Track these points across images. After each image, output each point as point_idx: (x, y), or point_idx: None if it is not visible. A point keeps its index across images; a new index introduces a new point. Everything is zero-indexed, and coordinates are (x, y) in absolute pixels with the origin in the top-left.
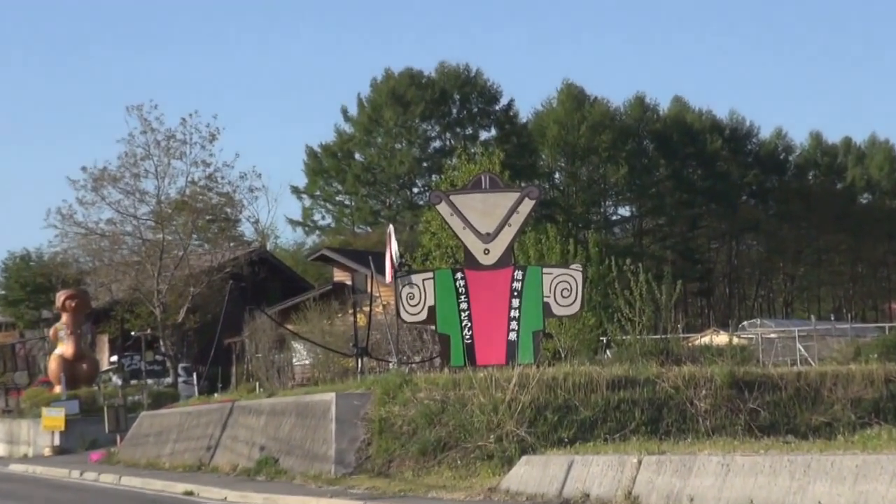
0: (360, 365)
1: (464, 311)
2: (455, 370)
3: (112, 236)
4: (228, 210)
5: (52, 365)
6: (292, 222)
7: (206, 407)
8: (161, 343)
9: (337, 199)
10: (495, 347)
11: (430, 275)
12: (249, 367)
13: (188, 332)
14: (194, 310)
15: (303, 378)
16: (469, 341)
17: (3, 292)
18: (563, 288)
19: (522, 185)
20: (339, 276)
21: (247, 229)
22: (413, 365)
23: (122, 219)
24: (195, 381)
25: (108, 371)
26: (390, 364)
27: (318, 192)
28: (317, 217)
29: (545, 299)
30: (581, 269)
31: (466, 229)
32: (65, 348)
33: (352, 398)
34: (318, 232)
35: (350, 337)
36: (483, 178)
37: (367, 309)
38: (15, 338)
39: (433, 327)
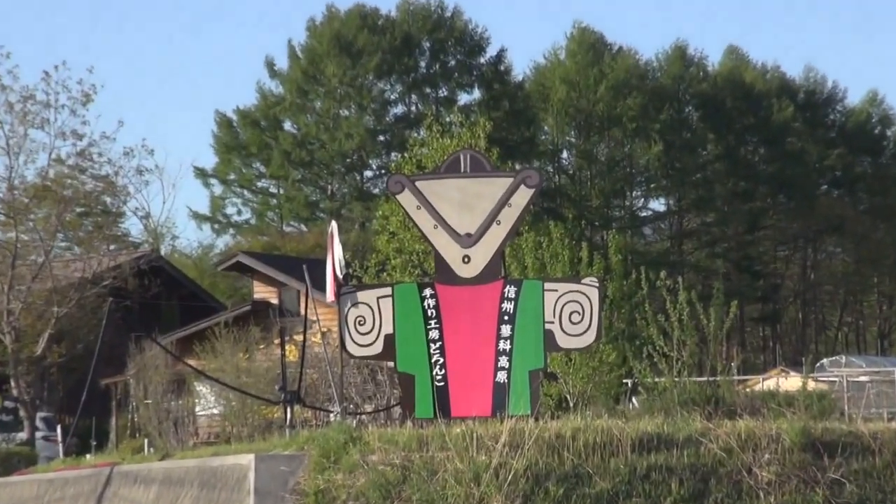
0: (289, 416)
1: (434, 341)
2: (421, 423)
3: None
4: (108, 200)
5: None
6: (197, 217)
7: (75, 473)
8: (13, 384)
9: (258, 185)
10: (477, 392)
11: (388, 291)
12: (135, 418)
13: (50, 368)
14: (59, 338)
15: (210, 434)
16: (441, 384)
17: None
18: (573, 310)
19: (517, 167)
20: (262, 291)
21: (134, 227)
22: (363, 416)
23: None
24: (59, 437)
25: None
26: (332, 415)
27: (231, 176)
28: (230, 210)
29: (548, 326)
30: (598, 284)
31: (439, 228)
32: None
33: (278, 462)
34: (231, 231)
35: (276, 377)
36: (462, 157)
37: (299, 338)
38: None
39: (391, 364)
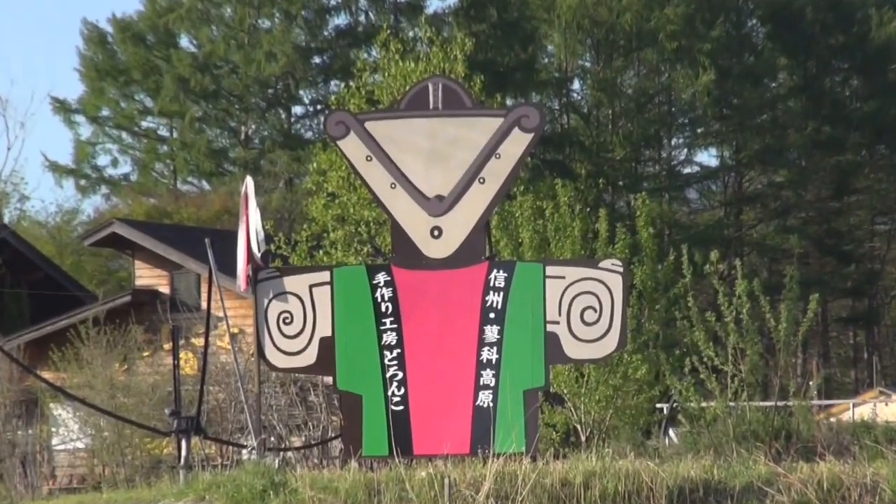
0: (184, 452)
1: (389, 347)
2: (371, 464)
3: None
4: None
5: None
6: (55, 169)
7: None
8: None
9: (143, 125)
10: (451, 420)
11: (326, 276)
12: None
13: None
14: None
15: (72, 477)
16: (399, 408)
17: None
18: (587, 306)
19: (508, 103)
20: (147, 276)
21: None
22: (289, 454)
23: None
24: None
25: None
26: (244, 451)
27: (104, 112)
28: (103, 161)
29: (550, 327)
30: (622, 268)
31: (398, 188)
32: None
33: None
34: (104, 189)
35: (167, 397)
36: (432, 87)
37: (199, 342)
38: None
39: (329, 380)
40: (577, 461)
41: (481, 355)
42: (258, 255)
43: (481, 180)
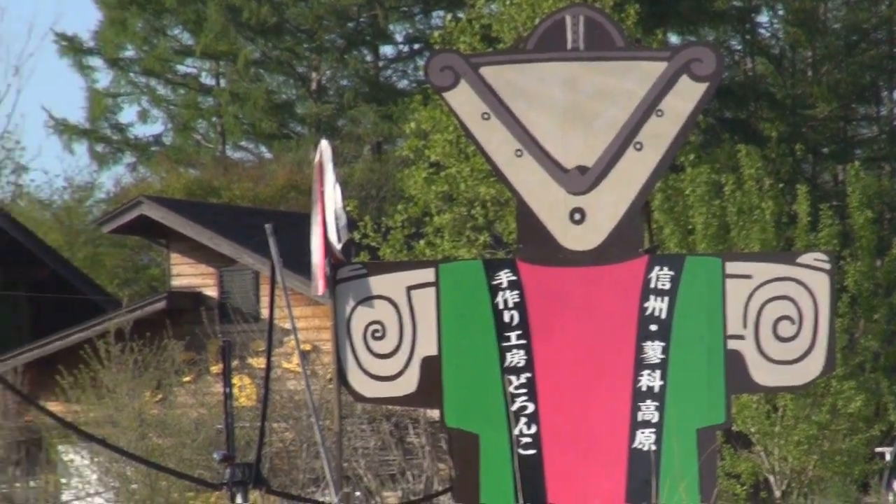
0: None
1: (516, 370)
2: None
3: None
4: None
5: None
6: (63, 130)
7: None
8: None
9: (180, 71)
10: (598, 468)
11: (429, 275)
12: None
13: None
14: None
15: None
16: (529, 451)
17: None
18: (782, 314)
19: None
20: (187, 273)
21: None
22: None
23: None
24: None
25: None
26: None
27: (128, 53)
28: (126, 118)
29: (732, 343)
30: (829, 263)
31: (525, 156)
32: None
33: None
34: (129, 157)
35: (215, 436)
36: (571, 20)
37: (259, 362)
38: None
39: (433, 414)
40: None
41: (639, 381)
42: (338, 246)
43: (637, 146)
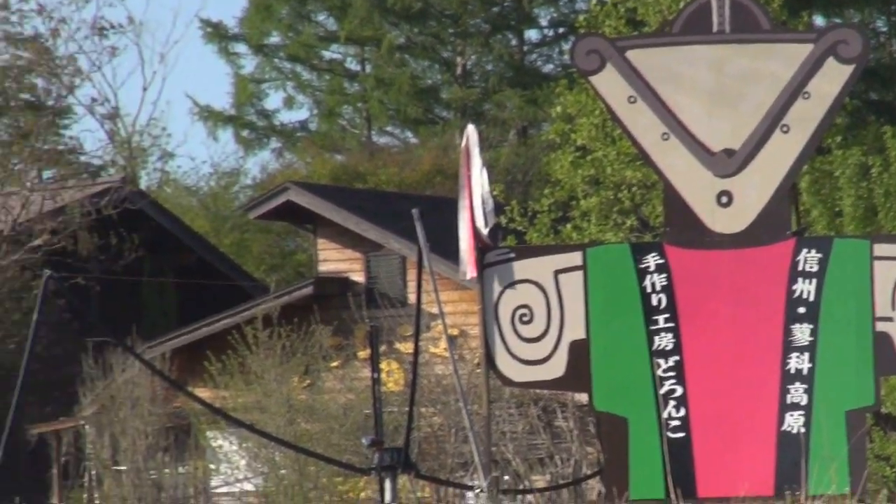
0: (387, 495)
1: (664, 353)
2: None
3: None
4: (39, 83)
5: None
6: (208, 116)
7: None
8: None
9: (325, 56)
10: (747, 451)
11: (576, 258)
12: (96, 499)
13: None
14: None
15: None
16: (678, 434)
17: None
18: None
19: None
20: (334, 259)
21: (89, 135)
22: (529, 497)
23: None
24: None
25: None
26: (470, 494)
27: (273, 39)
28: (272, 104)
29: (881, 325)
30: None
31: (671, 139)
32: None
33: None
34: (275, 143)
35: (363, 421)
36: (716, 2)
37: (407, 347)
38: None
39: (582, 398)
40: None
41: (788, 364)
42: (485, 231)
43: (784, 128)
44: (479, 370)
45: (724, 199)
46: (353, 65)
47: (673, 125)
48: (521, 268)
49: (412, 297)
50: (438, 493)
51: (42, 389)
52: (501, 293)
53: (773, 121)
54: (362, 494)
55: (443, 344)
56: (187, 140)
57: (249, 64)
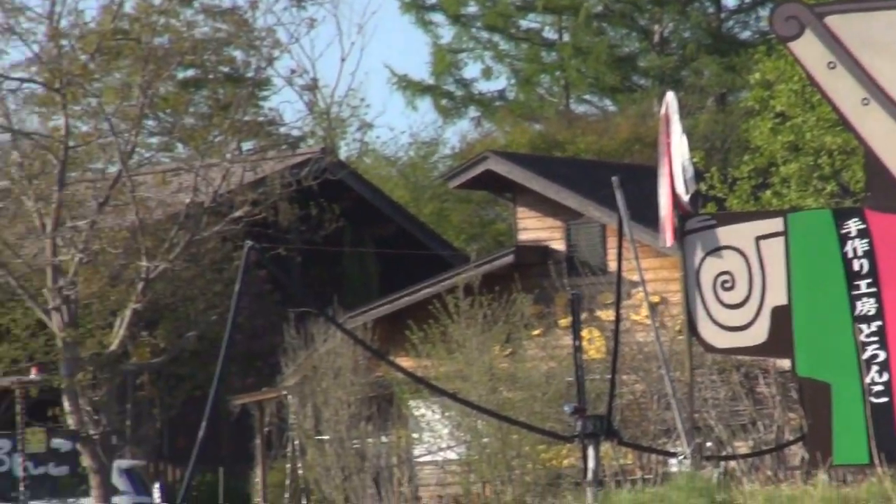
0: (591, 463)
1: (866, 319)
2: (844, 475)
3: None
4: (238, 55)
5: None
6: (407, 86)
7: None
8: (67, 407)
9: (522, 24)
10: None
11: (777, 224)
12: (299, 469)
13: (137, 377)
14: (152, 320)
15: (442, 498)
16: (881, 399)
17: None
18: None
19: None
20: (533, 227)
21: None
22: (732, 464)
23: None
24: None
25: None
26: (673, 460)
27: (471, 8)
28: (470, 74)
29: None
30: None
31: (872, 105)
32: None
33: None
34: (473, 112)
35: (565, 389)
36: None
37: (607, 315)
38: None
39: (783, 364)
40: None
41: None
42: (685, 198)
43: None
44: (680, 337)
45: None
46: (550, 34)
47: (873, 90)
48: (723, 234)
49: (612, 265)
50: (641, 460)
51: (244, 360)
52: (703, 260)
53: None
54: (565, 462)
55: (644, 311)
56: (386, 110)
57: (447, 34)
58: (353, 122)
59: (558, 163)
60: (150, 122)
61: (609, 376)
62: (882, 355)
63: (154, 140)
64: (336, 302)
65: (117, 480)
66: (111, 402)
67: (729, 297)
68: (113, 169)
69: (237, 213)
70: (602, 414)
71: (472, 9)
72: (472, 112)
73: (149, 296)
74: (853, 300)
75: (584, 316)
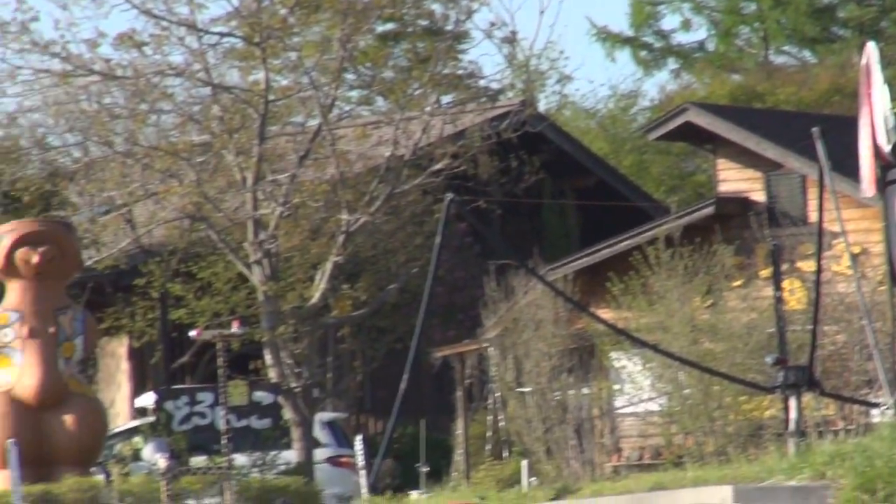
0: (792, 414)
1: None
2: None
3: (134, 80)
4: (437, 9)
5: None
6: (605, 38)
7: None
8: (268, 360)
9: None
10: None
11: None
12: (500, 421)
13: (338, 331)
14: (352, 272)
15: (643, 449)
16: None
17: None
18: None
19: None
20: (733, 179)
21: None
22: None
23: (157, 36)
24: (362, 458)
25: (128, 432)
26: (875, 411)
27: None
28: (669, 25)
29: None
30: None
31: None
32: (18, 375)
33: (775, 501)
34: (672, 63)
35: (766, 340)
36: None
37: (808, 266)
38: None
39: None
40: None
41: None
42: (887, 148)
43: None
44: (882, 287)
45: None
46: None
47: None
48: None
49: (812, 216)
50: (843, 411)
51: (445, 313)
52: None
53: None
54: (767, 413)
55: (845, 262)
56: (585, 63)
57: None
58: (552, 74)
59: (758, 114)
60: (350, 76)
61: (810, 327)
62: None
63: (354, 94)
64: (536, 254)
65: (319, 433)
66: (312, 356)
67: None
68: (313, 123)
69: (437, 166)
70: (803, 365)
71: None
72: (672, 64)
73: (349, 249)
74: None
75: (784, 267)
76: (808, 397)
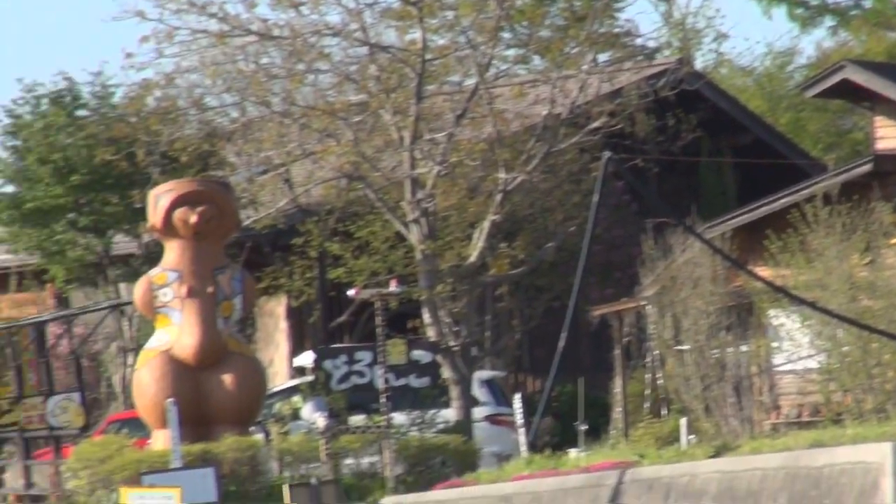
0: None
1: None
2: None
3: (291, 39)
4: None
5: (143, 378)
6: None
7: (554, 484)
8: (426, 319)
9: None
10: None
11: None
12: (659, 379)
13: (496, 289)
14: (510, 231)
15: (802, 407)
16: None
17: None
18: None
19: None
20: (891, 136)
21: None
22: None
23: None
24: (521, 418)
25: (287, 391)
26: None
27: None
28: None
29: None
30: None
31: None
32: (177, 335)
33: None
34: (830, 22)
35: None
36: None
37: None
38: (46, 307)
39: None
40: None
41: None
42: None
43: None
44: None
45: None
46: None
47: None
48: None
49: None
50: None
51: (602, 271)
52: None
53: None
54: None
55: None
56: (741, 20)
57: None
58: (708, 32)
59: None
60: (507, 35)
61: None
62: None
63: (510, 52)
64: (693, 212)
65: (477, 391)
66: (470, 314)
67: None
68: (470, 82)
69: (594, 125)
70: None
71: None
72: (829, 21)
73: (507, 207)
74: None
75: None
76: None
